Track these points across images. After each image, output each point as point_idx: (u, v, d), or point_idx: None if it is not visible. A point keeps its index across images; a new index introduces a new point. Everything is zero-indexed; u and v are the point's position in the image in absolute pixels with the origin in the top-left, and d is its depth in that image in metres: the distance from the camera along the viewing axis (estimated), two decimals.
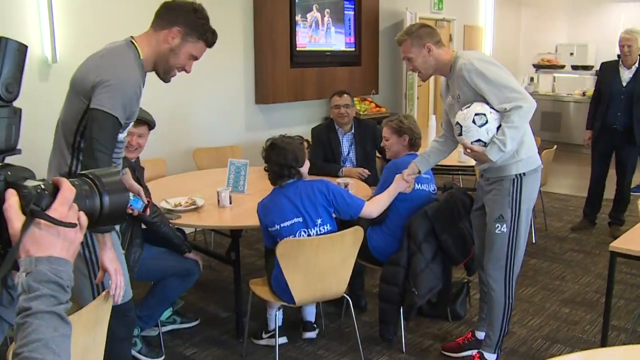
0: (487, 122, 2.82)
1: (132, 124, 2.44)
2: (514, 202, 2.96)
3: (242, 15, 5.98)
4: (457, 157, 5.08)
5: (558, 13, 11.22)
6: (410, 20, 7.50)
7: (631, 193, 5.67)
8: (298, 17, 6.26)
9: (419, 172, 3.27)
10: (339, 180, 3.93)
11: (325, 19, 6.57)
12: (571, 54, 10.90)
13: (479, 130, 2.82)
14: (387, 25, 7.62)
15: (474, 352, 3.29)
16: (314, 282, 3.07)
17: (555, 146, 5.71)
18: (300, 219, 3.07)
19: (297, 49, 6.28)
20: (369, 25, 7.09)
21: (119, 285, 2.24)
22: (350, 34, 6.89)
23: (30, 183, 1.00)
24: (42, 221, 0.98)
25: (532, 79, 10.75)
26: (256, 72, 6.14)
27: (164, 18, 2.36)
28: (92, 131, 2.20)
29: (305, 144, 3.29)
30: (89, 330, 1.86)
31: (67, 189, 1.01)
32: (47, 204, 0.99)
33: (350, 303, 3.34)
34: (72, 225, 1.00)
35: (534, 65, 10.56)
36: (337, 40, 6.76)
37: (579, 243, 5.44)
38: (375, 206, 3.22)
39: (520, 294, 4.30)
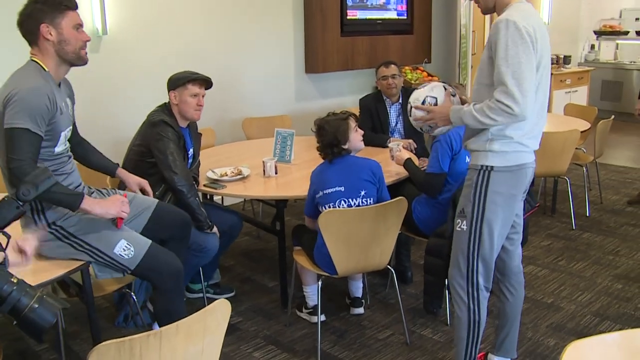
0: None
1: (68, 133, 2.53)
2: (477, 196, 2.54)
3: None
4: None
5: None
6: None
7: None
8: None
9: None
10: (391, 144, 3.90)
11: None
12: (637, 19, 10.42)
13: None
14: None
15: None
16: (357, 253, 3.07)
17: (613, 116, 5.51)
18: (342, 188, 3.11)
19: (348, 17, 6.20)
20: None
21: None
22: (402, 1, 6.75)
23: None
24: None
25: (592, 47, 10.36)
26: (306, 41, 6.10)
27: (27, 31, 2.44)
28: (7, 150, 2.30)
29: (352, 118, 3.27)
30: (197, 340, 1.85)
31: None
32: None
33: (394, 275, 3.33)
34: None
35: (595, 32, 10.18)
36: (388, 9, 6.64)
37: (636, 217, 5.27)
38: None
39: (570, 268, 4.22)
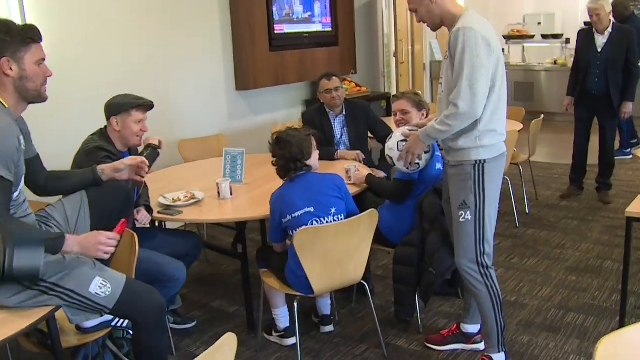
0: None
1: (22, 179, 2.34)
2: (477, 188, 2.76)
3: (219, 2, 5.81)
4: None
5: None
6: None
7: (614, 157, 5.71)
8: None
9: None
10: (347, 166, 3.82)
11: None
12: (539, 23, 10.90)
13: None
14: (361, 3, 7.51)
15: (461, 348, 3.25)
16: (333, 270, 2.99)
17: (542, 116, 5.70)
18: (312, 209, 3.01)
19: (275, 32, 6.13)
20: (344, 5, 6.96)
21: None
22: (326, 14, 6.76)
23: None
24: None
25: (502, 50, 10.74)
26: (235, 58, 5.99)
27: None
28: None
29: (312, 136, 3.19)
30: None
31: None
32: None
33: (368, 288, 3.26)
34: None
35: (504, 37, 10.57)
36: (313, 22, 6.63)
37: (571, 210, 5.47)
38: None
39: (524, 265, 4.30)
